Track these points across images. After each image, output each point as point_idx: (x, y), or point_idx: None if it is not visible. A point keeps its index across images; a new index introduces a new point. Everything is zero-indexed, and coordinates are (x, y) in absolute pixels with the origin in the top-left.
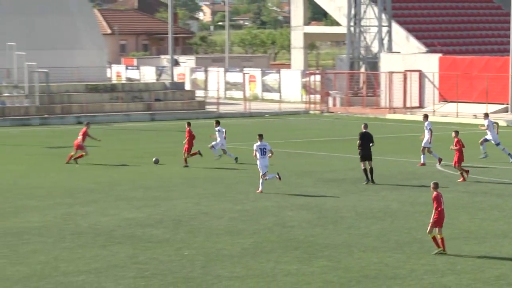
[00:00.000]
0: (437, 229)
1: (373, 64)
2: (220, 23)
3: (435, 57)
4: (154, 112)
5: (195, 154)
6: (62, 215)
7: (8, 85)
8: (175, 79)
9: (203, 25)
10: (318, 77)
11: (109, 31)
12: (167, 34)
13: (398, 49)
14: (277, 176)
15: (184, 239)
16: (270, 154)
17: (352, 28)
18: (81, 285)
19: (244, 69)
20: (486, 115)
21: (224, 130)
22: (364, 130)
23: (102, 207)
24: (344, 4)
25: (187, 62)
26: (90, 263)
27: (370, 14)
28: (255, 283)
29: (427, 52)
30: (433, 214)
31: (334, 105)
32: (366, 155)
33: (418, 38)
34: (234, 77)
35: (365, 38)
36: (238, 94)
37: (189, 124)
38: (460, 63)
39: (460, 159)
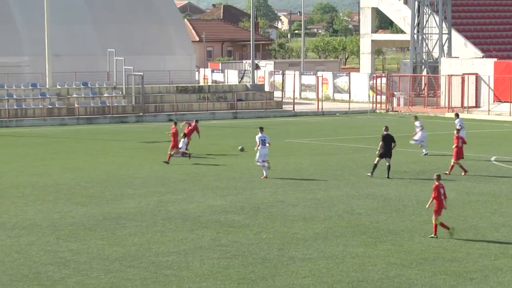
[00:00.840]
0: (438, 216)
1: (434, 68)
2: (296, 31)
3: (491, 62)
4: (236, 111)
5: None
6: (155, 202)
7: (108, 87)
8: (256, 82)
9: (281, 33)
10: (384, 80)
11: (197, 38)
12: (249, 41)
13: (457, 54)
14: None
15: (262, 224)
16: (268, 145)
17: (415, 36)
18: (170, 265)
19: (318, 72)
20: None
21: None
22: (385, 133)
23: (190, 196)
24: (408, 14)
25: (266, 66)
26: (179, 245)
27: (432, 23)
28: (326, 264)
29: (483, 57)
30: (429, 202)
31: (398, 104)
32: (385, 153)
33: (475, 44)
34: (309, 79)
35: (427, 44)
36: (311, 95)
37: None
38: None
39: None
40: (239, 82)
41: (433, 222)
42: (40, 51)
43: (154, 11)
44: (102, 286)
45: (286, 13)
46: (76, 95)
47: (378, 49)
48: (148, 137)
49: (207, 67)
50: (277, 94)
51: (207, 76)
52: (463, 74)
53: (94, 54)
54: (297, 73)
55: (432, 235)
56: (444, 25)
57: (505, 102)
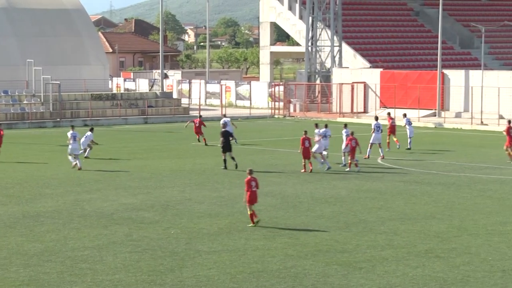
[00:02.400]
0: (250, 206)
1: (326, 77)
2: (201, 44)
3: (377, 72)
4: (147, 117)
5: None
6: (71, 201)
7: (28, 94)
8: (165, 90)
9: (188, 45)
10: (281, 88)
11: (110, 50)
12: (158, 52)
13: (347, 65)
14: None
15: (171, 220)
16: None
17: (309, 48)
18: (86, 259)
19: (221, 81)
20: (404, 115)
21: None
22: (223, 129)
23: (104, 195)
24: (303, 28)
25: (174, 75)
26: (93, 240)
27: (324, 36)
28: (229, 256)
29: (371, 67)
30: (245, 195)
31: (295, 110)
32: (226, 148)
33: (363, 55)
34: (213, 87)
35: (320, 55)
36: (216, 101)
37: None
38: (397, 76)
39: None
40: (149, 90)
41: (248, 212)
42: None
43: (71, 24)
44: (21, 280)
45: (192, 27)
46: None
47: (276, 60)
48: (65, 141)
49: (120, 76)
50: (184, 101)
51: (119, 84)
52: (353, 82)
53: (14, 64)
54: (202, 81)
55: (251, 225)
56: (335, 38)
57: (390, 107)
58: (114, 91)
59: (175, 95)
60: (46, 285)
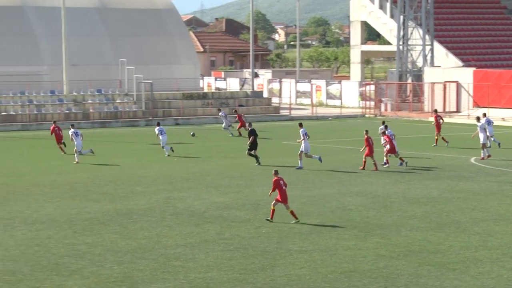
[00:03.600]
0: (277, 203)
1: (418, 76)
2: (292, 43)
3: (470, 70)
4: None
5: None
6: (163, 199)
7: (120, 93)
8: (255, 89)
9: (278, 44)
10: (372, 87)
11: (201, 49)
12: (249, 51)
13: (439, 64)
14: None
15: (262, 219)
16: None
17: (400, 47)
18: (178, 257)
19: (312, 80)
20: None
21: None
22: (251, 128)
23: (195, 193)
24: (394, 27)
25: (265, 74)
26: (185, 238)
27: (416, 35)
28: (320, 256)
29: (463, 66)
30: (271, 192)
31: (386, 109)
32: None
33: (455, 54)
34: (303, 87)
35: (411, 54)
36: (306, 100)
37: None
38: (491, 75)
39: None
40: (240, 89)
41: (272, 208)
42: (58, 61)
43: (162, 24)
44: (115, 276)
45: (282, 26)
46: (91, 101)
47: (367, 59)
48: (156, 139)
49: (211, 76)
50: (275, 100)
51: (210, 83)
52: (445, 82)
53: (107, 64)
54: (293, 81)
55: (269, 219)
56: (427, 37)
57: (483, 107)
58: (205, 90)
59: (265, 94)
60: (140, 282)
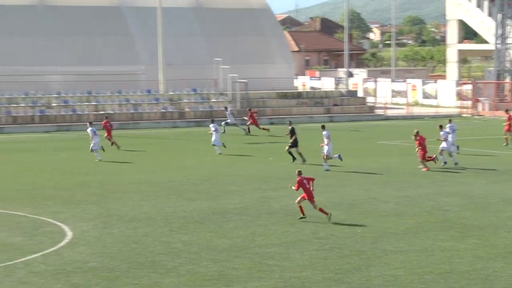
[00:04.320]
0: (302, 200)
1: None
2: (387, 42)
3: None
4: (332, 115)
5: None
6: (258, 198)
7: (215, 93)
8: (350, 88)
9: (373, 43)
10: (469, 86)
11: (296, 48)
12: (343, 51)
13: None
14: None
15: (357, 219)
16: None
17: (498, 45)
18: (273, 256)
19: (407, 79)
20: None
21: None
22: (292, 127)
23: (290, 192)
24: (492, 25)
25: (359, 74)
26: (280, 237)
27: None
28: (416, 257)
29: None
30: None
31: (483, 109)
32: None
33: None
34: (399, 86)
35: (510, 53)
36: (402, 100)
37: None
38: None
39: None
40: (334, 89)
41: (298, 205)
42: (154, 61)
43: (257, 24)
44: (211, 274)
45: (377, 25)
46: (186, 100)
47: (463, 58)
48: (251, 138)
49: (305, 75)
50: (370, 100)
51: (305, 83)
52: None
53: (203, 63)
54: (388, 80)
55: (301, 217)
56: None
57: None
58: (300, 89)
59: (360, 94)
60: (235, 280)
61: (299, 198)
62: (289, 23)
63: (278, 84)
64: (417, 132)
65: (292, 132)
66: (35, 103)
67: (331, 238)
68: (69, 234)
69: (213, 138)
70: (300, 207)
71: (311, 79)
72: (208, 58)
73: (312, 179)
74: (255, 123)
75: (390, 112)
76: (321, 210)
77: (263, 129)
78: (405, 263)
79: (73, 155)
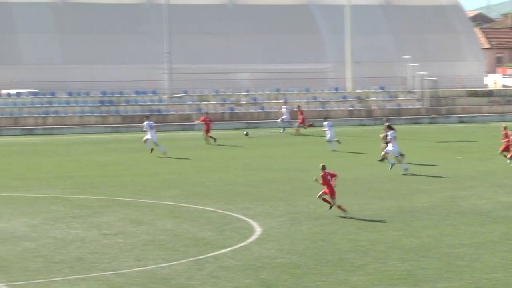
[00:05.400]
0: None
1: None
2: None
3: None
4: None
5: None
6: (447, 198)
7: (404, 91)
8: None
9: None
10: None
11: (487, 46)
12: None
13: None
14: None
15: None
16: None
17: None
18: (463, 256)
19: None
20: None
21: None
22: (388, 124)
23: (479, 192)
24: None
25: None
26: (470, 238)
27: None
28: None
29: None
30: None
31: None
32: None
33: None
34: None
35: None
36: None
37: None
38: None
39: None
40: None
41: (337, 204)
42: (342, 59)
43: (446, 21)
44: (399, 274)
45: None
46: (374, 98)
47: None
48: (439, 137)
49: (496, 73)
50: None
51: (496, 81)
52: None
53: (390, 61)
54: None
55: (343, 214)
56: None
57: None
58: (491, 87)
59: None
60: (424, 280)
61: (320, 193)
62: (480, 19)
63: (468, 82)
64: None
65: (389, 130)
66: (225, 100)
67: None
68: (258, 230)
69: (328, 136)
70: (324, 199)
71: (503, 77)
72: (396, 55)
73: (335, 175)
74: (302, 122)
75: None
76: (339, 207)
77: (308, 126)
78: None
79: (261, 152)
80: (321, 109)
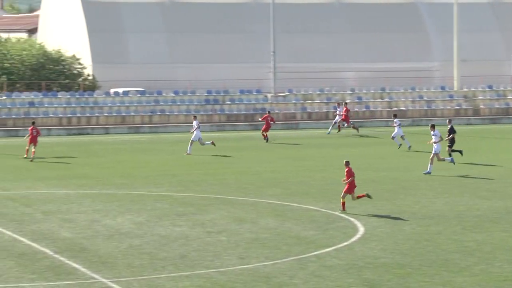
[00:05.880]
0: (350, 195)
1: None
2: None
3: None
4: None
5: None
6: None
7: None
8: None
9: None
10: None
11: None
12: None
13: None
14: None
15: None
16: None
17: None
18: None
19: None
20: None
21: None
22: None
23: None
24: None
25: None
26: None
27: None
28: None
29: None
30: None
31: None
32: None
33: None
34: None
35: None
36: None
37: None
38: None
39: None
40: None
41: (342, 200)
42: (449, 57)
43: None
44: (505, 275)
45: None
46: (481, 97)
47: None
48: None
49: None
50: None
51: None
52: None
53: (499, 59)
54: None
55: (341, 211)
56: None
57: None
58: None
59: None
60: None
61: (352, 194)
62: None
63: None
64: None
65: (451, 131)
66: (329, 99)
67: None
68: (361, 230)
69: (394, 132)
70: (358, 195)
71: None
72: (504, 54)
73: (353, 174)
74: (346, 119)
75: None
76: (358, 197)
77: (353, 127)
78: None
79: (362, 151)
80: (426, 108)
